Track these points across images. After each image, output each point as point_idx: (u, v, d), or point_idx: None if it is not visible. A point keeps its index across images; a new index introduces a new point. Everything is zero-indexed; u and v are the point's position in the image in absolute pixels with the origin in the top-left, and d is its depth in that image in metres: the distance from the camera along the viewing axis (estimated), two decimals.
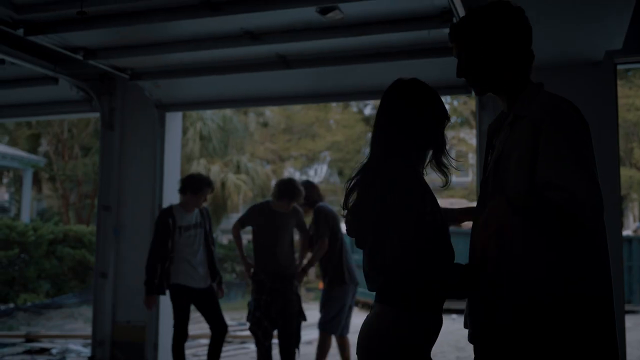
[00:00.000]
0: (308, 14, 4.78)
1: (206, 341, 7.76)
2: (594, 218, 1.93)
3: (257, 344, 5.71)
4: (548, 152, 1.97)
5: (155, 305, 5.98)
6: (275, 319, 5.63)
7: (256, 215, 5.82)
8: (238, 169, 16.83)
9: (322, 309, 6.02)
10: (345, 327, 6.14)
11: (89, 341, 7.24)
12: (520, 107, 2.15)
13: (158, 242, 5.65)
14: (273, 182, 21.83)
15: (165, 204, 6.78)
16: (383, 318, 2.18)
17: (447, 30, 4.81)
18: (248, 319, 5.72)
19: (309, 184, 6.22)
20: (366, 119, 24.12)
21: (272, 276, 5.66)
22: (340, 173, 23.83)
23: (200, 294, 5.76)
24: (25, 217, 16.81)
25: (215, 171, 16.03)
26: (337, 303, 5.99)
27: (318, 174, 23.72)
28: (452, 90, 6.21)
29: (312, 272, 21.97)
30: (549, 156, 1.97)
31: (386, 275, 2.16)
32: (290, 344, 5.76)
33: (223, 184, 16.12)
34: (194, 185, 5.76)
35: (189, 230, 5.73)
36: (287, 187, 5.72)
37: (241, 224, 5.91)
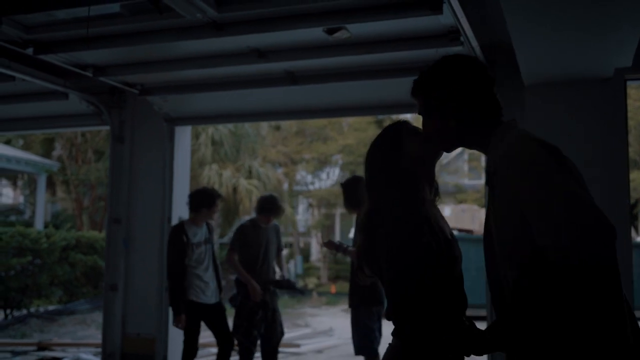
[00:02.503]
0: (315, 33, 4.78)
1: (215, 349, 7.80)
2: (603, 250, 1.76)
3: (242, 353, 5.80)
4: (530, 214, 1.81)
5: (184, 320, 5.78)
6: (260, 328, 5.84)
7: (245, 235, 6.01)
8: (250, 174, 16.85)
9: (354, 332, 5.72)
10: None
11: (100, 349, 7.28)
12: (489, 163, 2.04)
13: (177, 260, 5.68)
14: (285, 186, 21.88)
15: (174, 217, 6.82)
16: (392, 352, 2.21)
17: (454, 49, 4.84)
18: (235, 331, 5.84)
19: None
20: (378, 122, 24.07)
21: (262, 288, 5.88)
22: None
23: (210, 309, 5.80)
24: (40, 220, 16.95)
25: (227, 176, 16.07)
26: (359, 326, 5.65)
27: (330, 177, 23.70)
28: None
29: (325, 275, 22.00)
30: (532, 218, 1.80)
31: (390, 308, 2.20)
32: (275, 355, 6.05)
33: (235, 189, 16.15)
34: (208, 200, 5.85)
35: (200, 246, 5.79)
36: (268, 203, 6.10)
37: (235, 251, 6.00)
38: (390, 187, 2.26)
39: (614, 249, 1.78)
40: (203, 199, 5.83)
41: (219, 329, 5.87)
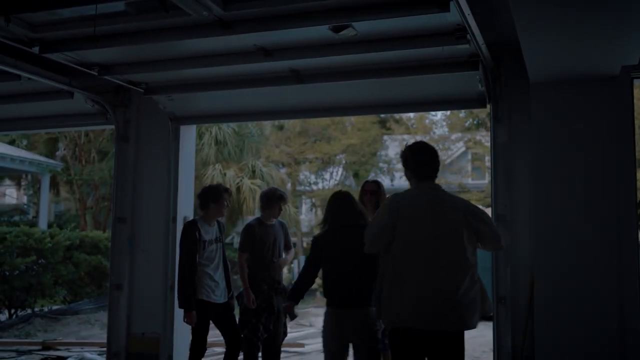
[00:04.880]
0: (321, 31, 4.78)
1: (220, 349, 7.79)
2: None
3: (248, 350, 5.78)
4: (483, 223, 3.99)
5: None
6: (269, 324, 5.80)
7: (253, 234, 5.91)
8: (253, 174, 16.81)
9: None
10: None
11: (105, 349, 7.29)
12: (426, 198, 4.02)
13: (189, 256, 5.62)
14: (288, 186, 21.86)
15: (179, 216, 6.81)
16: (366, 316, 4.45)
17: (461, 47, 4.83)
18: (241, 327, 5.79)
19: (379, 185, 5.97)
20: (382, 122, 24.05)
21: (272, 286, 5.86)
22: (355, 176, 23.78)
23: (219, 308, 5.75)
24: (43, 220, 16.96)
25: (230, 176, 16.03)
26: None
27: (333, 177, 23.68)
28: (466, 104, 6.20)
29: None
30: (486, 225, 4.00)
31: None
32: (277, 355, 6.02)
33: (238, 189, 16.12)
34: (214, 195, 5.80)
35: (212, 244, 5.76)
36: (270, 195, 6.00)
37: (245, 252, 5.92)
38: (351, 224, 4.54)
39: None
40: (209, 195, 5.81)
41: (228, 328, 5.82)
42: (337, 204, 4.65)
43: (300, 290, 4.85)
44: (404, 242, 3.81)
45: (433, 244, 3.78)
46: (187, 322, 5.64)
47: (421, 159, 4.02)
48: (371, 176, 23.64)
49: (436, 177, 4.07)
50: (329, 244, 4.60)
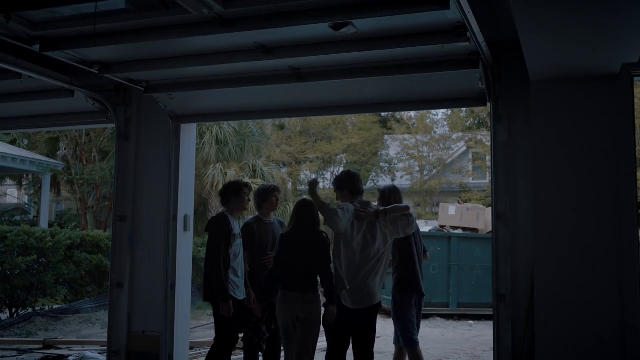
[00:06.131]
0: (321, 29, 4.78)
1: None
2: None
3: (249, 349, 5.76)
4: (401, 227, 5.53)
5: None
6: (270, 324, 5.82)
7: (252, 232, 5.93)
8: (254, 174, 16.83)
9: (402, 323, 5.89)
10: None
11: (106, 348, 7.30)
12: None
13: (226, 248, 5.59)
14: (289, 186, 21.87)
15: (179, 215, 6.81)
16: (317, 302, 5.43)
17: (461, 44, 4.83)
18: (242, 325, 5.79)
19: (394, 189, 6.11)
20: (383, 122, 24.06)
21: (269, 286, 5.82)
22: None
23: (240, 305, 5.72)
24: (44, 219, 16.98)
25: (231, 175, 16.05)
26: (402, 318, 5.92)
27: (334, 176, 23.71)
28: (466, 102, 6.19)
29: None
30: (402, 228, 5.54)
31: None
32: (277, 351, 6.03)
33: None
34: (235, 189, 5.89)
35: (237, 239, 5.75)
36: (262, 192, 6.11)
37: (245, 250, 5.90)
38: (314, 226, 5.49)
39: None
40: (230, 190, 5.86)
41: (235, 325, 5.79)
42: (302, 210, 5.48)
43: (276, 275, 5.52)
44: (358, 239, 5.28)
45: (373, 242, 5.31)
46: (224, 314, 5.53)
47: (353, 182, 5.57)
48: (372, 176, 23.65)
49: (363, 193, 5.64)
50: (292, 239, 5.41)
